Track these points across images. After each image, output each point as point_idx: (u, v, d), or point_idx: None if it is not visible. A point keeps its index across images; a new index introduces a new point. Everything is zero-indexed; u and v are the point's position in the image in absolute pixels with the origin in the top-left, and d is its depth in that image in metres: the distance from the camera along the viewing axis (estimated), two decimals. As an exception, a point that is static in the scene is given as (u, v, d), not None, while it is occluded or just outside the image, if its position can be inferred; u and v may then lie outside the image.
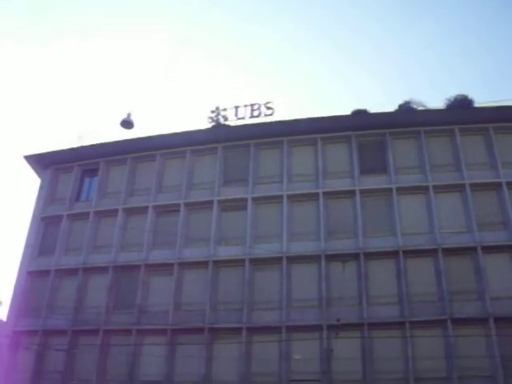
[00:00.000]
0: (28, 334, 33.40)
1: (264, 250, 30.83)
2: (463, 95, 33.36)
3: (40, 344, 32.58)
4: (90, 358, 31.20)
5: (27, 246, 36.69)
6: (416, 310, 28.50)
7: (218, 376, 29.01)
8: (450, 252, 29.53)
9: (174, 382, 29.21)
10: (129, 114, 30.60)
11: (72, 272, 34.33)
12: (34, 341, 32.54)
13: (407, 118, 33.45)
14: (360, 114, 33.87)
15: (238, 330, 29.58)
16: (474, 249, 29.45)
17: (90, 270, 34.11)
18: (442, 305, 28.31)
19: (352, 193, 32.36)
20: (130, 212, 35.33)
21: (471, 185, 31.29)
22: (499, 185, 31.24)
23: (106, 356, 31.34)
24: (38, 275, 35.39)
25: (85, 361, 31.64)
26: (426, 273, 29.55)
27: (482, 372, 26.79)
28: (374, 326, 28.42)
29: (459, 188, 31.59)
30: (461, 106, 32.96)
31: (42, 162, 38.74)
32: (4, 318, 37.09)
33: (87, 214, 35.86)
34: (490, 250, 29.36)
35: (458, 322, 27.68)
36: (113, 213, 35.36)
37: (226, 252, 32.02)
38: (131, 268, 33.03)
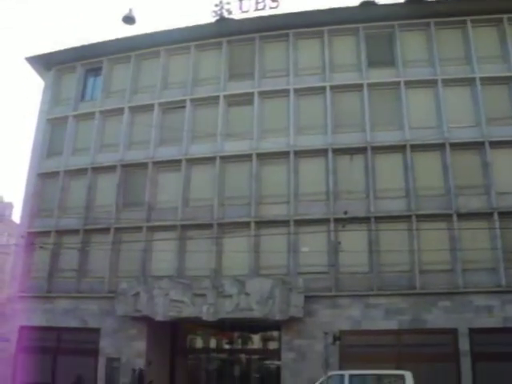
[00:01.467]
0: (41, 234, 34.47)
1: (271, 144, 30.98)
2: (476, -16, 32.16)
3: (54, 243, 33.70)
4: (103, 255, 32.23)
5: (35, 148, 37.10)
6: (422, 203, 28.85)
7: (228, 269, 29.93)
8: (457, 146, 29.49)
9: (184, 276, 30.13)
10: (130, 10, 30.11)
11: (81, 172, 34.83)
12: (48, 240, 33.68)
13: (417, 9, 32.22)
14: (368, 5, 32.73)
15: (246, 224, 30.23)
16: (481, 143, 29.35)
17: (98, 170, 34.57)
18: (448, 199, 28.64)
19: (359, 86, 31.90)
20: (136, 110, 35.17)
21: (481, 78, 30.61)
22: (511, 79, 30.73)
23: (117, 253, 32.37)
24: (47, 177, 36.01)
25: (98, 258, 32.73)
26: (432, 167, 29.68)
27: (484, 265, 27.55)
28: (380, 219, 28.90)
29: (469, 82, 30.99)
30: (473, -4, 31.92)
31: (44, 63, 38.35)
32: (17, 220, 38.16)
33: (92, 113, 35.82)
34: (497, 144, 29.24)
35: (464, 216, 28.10)
36: (118, 111, 35.25)
37: (232, 147, 32.06)
38: (139, 166, 33.38)
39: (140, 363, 29.60)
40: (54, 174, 35.64)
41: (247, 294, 27.58)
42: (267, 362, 31.62)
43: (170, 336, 32.16)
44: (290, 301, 27.39)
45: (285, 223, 29.77)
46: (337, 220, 28.77)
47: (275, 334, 30.79)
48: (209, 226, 30.69)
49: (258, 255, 29.72)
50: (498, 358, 25.33)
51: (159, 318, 28.82)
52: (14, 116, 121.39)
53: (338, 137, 30.98)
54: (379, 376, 23.23)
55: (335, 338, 24.04)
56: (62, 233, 34.25)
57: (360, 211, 29.03)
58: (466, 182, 28.85)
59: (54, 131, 37.14)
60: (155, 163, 33.18)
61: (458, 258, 27.43)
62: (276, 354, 29.85)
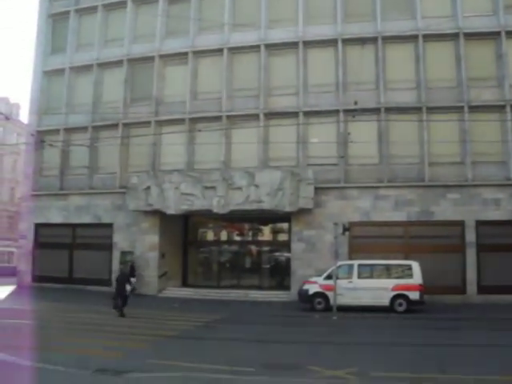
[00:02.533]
0: (50, 132, 34.90)
1: (279, 34, 30.35)
2: None
3: (63, 141, 34.02)
4: (113, 151, 32.68)
5: (38, 45, 36.68)
6: (433, 95, 28.49)
7: (237, 162, 30.31)
8: (471, 36, 28.60)
9: (194, 169, 30.57)
10: None
11: (86, 68, 34.55)
12: (57, 138, 33.96)
13: None
14: None
15: (255, 116, 30.26)
16: (497, 33, 28.39)
17: (104, 65, 34.26)
18: (459, 91, 28.23)
19: (370, -28, 30.76)
20: (141, 1, 34.30)
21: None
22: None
23: (127, 148, 32.77)
24: (53, 74, 35.88)
25: (108, 154, 33.24)
26: (445, 58, 29.00)
27: (494, 158, 27.67)
28: (390, 110, 28.63)
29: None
30: None
31: (43, -46, 37.14)
32: (25, 119, 38.38)
33: (95, 7, 34.94)
34: (513, 34, 28.36)
35: (475, 108, 27.81)
36: (121, 3, 34.33)
37: (240, 38, 31.44)
38: (145, 60, 32.99)
39: (153, 256, 30.70)
40: (59, 71, 35.40)
41: (257, 186, 27.99)
42: (277, 253, 32.46)
43: (182, 229, 33.08)
44: (299, 192, 27.84)
45: (294, 115, 29.73)
46: (346, 111, 28.62)
47: (285, 225, 31.47)
48: (217, 118, 30.73)
49: (267, 147, 29.94)
50: (503, 249, 25.97)
51: (171, 211, 29.53)
52: (14, 13, 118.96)
53: (347, 26, 30.17)
54: (387, 266, 23.89)
55: (344, 229, 24.42)
56: (70, 130, 34.56)
57: (370, 102, 28.77)
58: (478, 74, 28.26)
59: (56, 27, 36.48)
60: (162, 56, 32.71)
61: (468, 151, 27.50)
62: (286, 246, 30.67)
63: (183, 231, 33.24)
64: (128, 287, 21.37)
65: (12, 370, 9.80)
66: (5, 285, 33.06)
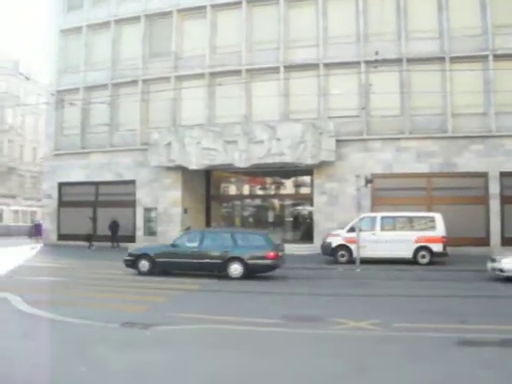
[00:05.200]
0: (70, 91, 35.60)
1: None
2: None
3: (83, 100, 34.91)
4: (133, 108, 33.43)
5: (54, 3, 37.32)
6: (457, 44, 28.44)
7: (258, 115, 30.92)
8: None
9: (215, 124, 31.24)
10: None
11: (104, 25, 35.12)
12: (77, 97, 34.83)
13: None
14: None
15: (275, 69, 30.67)
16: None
17: (121, 22, 34.80)
18: (484, 39, 28.16)
19: None
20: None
21: None
22: None
23: (147, 105, 33.52)
24: (70, 33, 36.54)
25: (128, 111, 34.05)
26: (469, 4, 28.82)
27: (518, 109, 27.70)
28: (412, 60, 28.89)
29: None
30: None
31: None
32: (45, 80, 39.33)
33: (110, -37, 35.32)
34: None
35: (500, 56, 27.78)
36: (137, -41, 34.58)
37: (258, -11, 31.68)
38: (163, 15, 33.43)
39: (176, 212, 31.73)
40: (76, 30, 36.06)
41: (278, 139, 28.58)
42: (300, 206, 33.25)
43: (205, 184, 34.01)
44: (321, 145, 28.41)
45: (314, 67, 30.08)
46: (367, 62, 28.79)
47: (307, 178, 32.18)
48: (237, 72, 31.21)
49: (287, 100, 30.44)
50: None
51: (193, 166, 30.40)
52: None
53: (368, -26, 30.15)
54: (410, 218, 24.28)
55: (367, 181, 24.80)
56: (90, 88, 35.38)
57: (391, 53, 28.93)
58: (504, 21, 28.01)
59: (71, -16, 36.97)
60: (180, 11, 33.11)
61: (492, 101, 27.66)
62: (308, 199, 31.46)
63: (205, 186, 34.12)
64: None
65: (43, 324, 10.34)
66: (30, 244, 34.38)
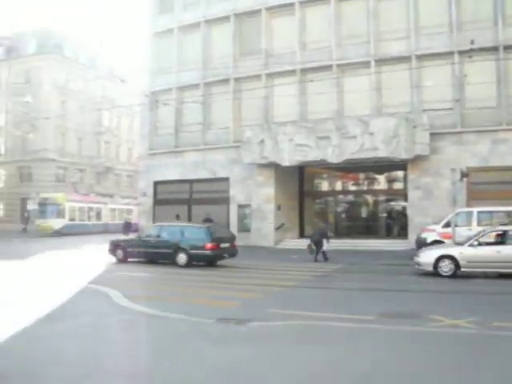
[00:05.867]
0: (163, 91, 37.36)
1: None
2: None
3: (176, 99, 36.44)
4: (225, 106, 34.61)
5: (147, 7, 39.13)
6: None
7: (350, 110, 31.24)
8: None
9: (307, 120, 31.80)
10: None
11: (194, 26, 36.54)
12: (170, 97, 36.46)
13: None
14: None
15: (366, 63, 30.85)
16: None
17: (211, 22, 36.09)
18: None
19: None
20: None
21: None
22: None
23: (239, 103, 34.63)
24: (162, 35, 38.13)
25: (220, 110, 35.33)
26: None
27: None
28: (510, 48, 28.20)
29: None
30: None
31: None
32: (138, 81, 41.17)
33: (200, -34, 36.65)
34: None
35: None
36: (226, -40, 35.73)
37: (347, -17, 32.04)
38: (252, 13, 34.37)
39: (269, 208, 32.62)
40: (168, 32, 37.67)
41: (371, 134, 28.68)
42: (393, 202, 33.31)
43: (297, 180, 34.66)
44: (414, 138, 28.34)
45: (406, 59, 29.96)
46: (461, 52, 28.48)
47: (400, 173, 32.22)
48: (328, 67, 31.56)
49: (379, 94, 30.60)
50: None
51: (285, 163, 31.11)
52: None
53: (461, -41, 29.72)
54: (509, 213, 23.68)
55: (462, 175, 24.60)
56: (182, 88, 36.91)
57: (487, 41, 28.33)
58: None
59: (163, -12, 38.63)
60: (268, 9, 33.91)
61: None
62: (402, 194, 31.54)
63: (298, 183, 34.74)
64: (325, 242, 23.34)
65: (142, 319, 10.85)
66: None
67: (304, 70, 32.25)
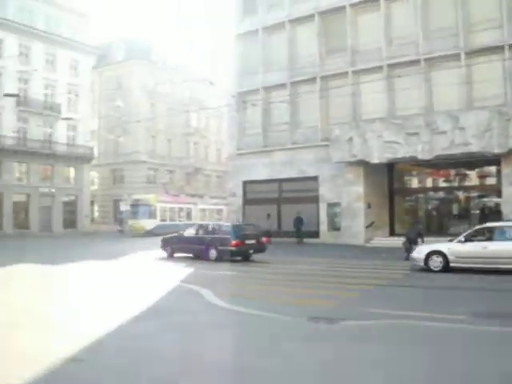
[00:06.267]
0: (250, 92, 38.35)
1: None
2: None
3: (263, 100, 37.18)
4: (312, 105, 35.09)
5: (231, 9, 40.19)
6: None
7: (440, 105, 30.81)
8: None
9: (396, 116, 31.67)
10: None
11: (279, 27, 37.21)
12: (257, 98, 37.31)
13: None
14: None
15: (455, 56, 30.22)
16: None
17: (295, 21, 36.64)
18: None
19: None
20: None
21: None
22: None
23: (326, 101, 34.96)
24: (246, 36, 39.11)
25: (307, 108, 35.79)
26: None
27: None
28: None
29: None
30: None
31: None
32: (225, 83, 42.30)
33: (282, -33, 37.25)
34: None
35: None
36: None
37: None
38: (337, 11, 34.55)
39: (359, 206, 32.77)
40: (252, 33, 38.55)
41: (462, 129, 28.19)
42: (485, 198, 32.52)
43: (387, 178, 34.48)
44: (508, 132, 27.55)
45: (498, 49, 29.14)
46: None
47: (493, 168, 31.25)
48: (415, 62, 31.25)
49: (470, 87, 29.96)
50: None
51: (375, 160, 31.14)
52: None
53: None
54: None
55: None
56: (269, 88, 37.62)
57: None
58: None
59: (247, -10, 39.54)
60: (352, 5, 33.97)
61: None
62: (494, 190, 30.74)
63: (387, 180, 34.52)
64: (420, 241, 23.46)
65: (233, 317, 11.14)
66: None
67: (391, 66, 32.13)
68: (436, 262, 18.73)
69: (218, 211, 59.34)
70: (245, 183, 38.85)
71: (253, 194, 38.67)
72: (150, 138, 65.75)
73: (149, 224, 49.88)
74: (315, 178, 34.76)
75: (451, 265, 18.48)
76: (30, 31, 53.83)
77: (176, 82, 67.50)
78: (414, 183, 36.14)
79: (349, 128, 32.19)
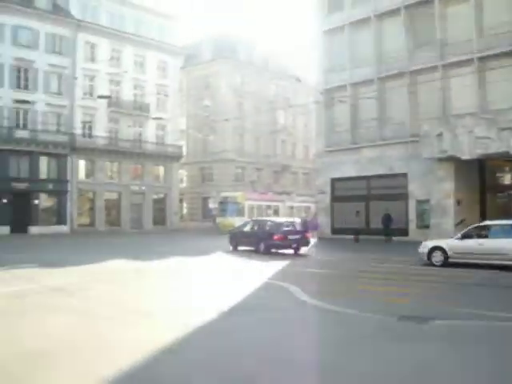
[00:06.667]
0: (337, 89, 38.58)
1: None
2: None
3: (350, 96, 37.26)
4: (401, 100, 34.91)
5: (317, 5, 40.39)
6: None
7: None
8: None
9: (487, 111, 30.90)
10: None
11: (365, 22, 37.22)
12: (345, 94, 37.45)
13: None
14: None
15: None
16: None
17: (382, 16, 36.52)
18: None
19: None
20: None
21: None
22: None
23: (415, 96, 34.62)
24: (332, 33, 39.37)
25: (396, 104, 35.67)
26: None
27: None
28: None
29: None
30: None
31: None
32: (311, 80, 42.58)
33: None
34: None
35: None
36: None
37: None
38: (424, 3, 34.05)
39: (449, 204, 32.27)
40: (338, 29, 38.79)
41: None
42: None
43: (478, 174, 33.86)
44: None
45: None
46: None
47: None
48: (509, 54, 30.19)
49: None
50: None
51: (465, 156, 30.56)
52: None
53: None
54: None
55: None
56: (356, 84, 37.65)
57: None
58: None
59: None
60: (441, -3, 33.45)
61: None
62: None
63: (479, 176, 33.93)
64: None
65: (324, 314, 11.22)
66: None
67: (482, 59, 31.37)
68: (437, 257, 20.20)
69: (305, 209, 59.66)
70: (333, 180, 39.08)
71: (341, 192, 38.83)
72: (237, 136, 66.79)
73: (237, 221, 50.68)
74: (404, 175, 34.56)
75: (450, 260, 19.86)
76: (121, 35, 56.20)
77: (262, 79, 68.33)
78: (507, 179, 35.24)
79: (438, 123, 31.78)
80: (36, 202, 50.04)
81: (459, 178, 32.50)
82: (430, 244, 20.94)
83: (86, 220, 54.60)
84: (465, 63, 32.03)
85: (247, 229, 29.44)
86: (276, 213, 57.43)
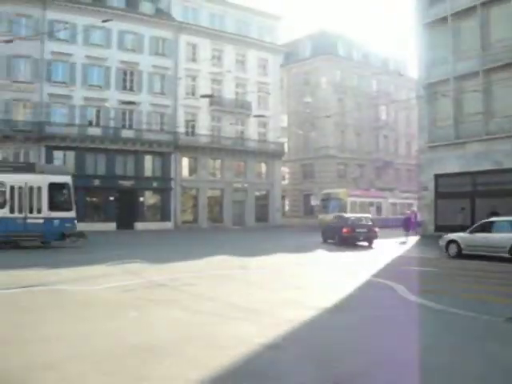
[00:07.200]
0: (440, 83, 37.54)
1: None
2: None
3: (454, 90, 36.27)
4: (508, 93, 33.35)
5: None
6: None
7: None
8: None
9: None
10: None
11: (469, 11, 35.75)
12: (447, 88, 36.49)
13: None
14: None
15: None
16: None
17: (488, 4, 34.92)
18: None
19: None
20: None
21: None
22: None
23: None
24: (434, 25, 38.29)
25: (503, 97, 34.00)
26: None
27: None
28: None
29: None
30: None
31: None
32: (413, 74, 41.87)
33: None
34: None
35: None
36: None
37: None
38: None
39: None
40: (440, 21, 37.64)
41: None
42: None
43: None
44: None
45: None
46: None
47: None
48: None
49: None
50: None
51: None
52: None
53: None
54: None
55: None
56: (460, 78, 36.43)
57: None
58: None
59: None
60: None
61: None
62: None
63: None
64: None
65: (427, 313, 11.17)
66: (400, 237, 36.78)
67: None
68: (453, 249, 23.27)
69: (408, 205, 58.73)
70: (436, 177, 38.16)
71: (445, 188, 37.87)
72: (338, 133, 66.64)
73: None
74: (512, 171, 33.26)
75: (463, 252, 22.77)
76: (222, 35, 57.45)
77: (363, 74, 67.77)
78: None
79: (549, 116, 30.40)
80: (141, 199, 52.32)
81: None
82: (447, 237, 23.88)
83: (189, 217, 56.37)
84: None
85: (332, 223, 34.04)
86: (379, 209, 56.94)
